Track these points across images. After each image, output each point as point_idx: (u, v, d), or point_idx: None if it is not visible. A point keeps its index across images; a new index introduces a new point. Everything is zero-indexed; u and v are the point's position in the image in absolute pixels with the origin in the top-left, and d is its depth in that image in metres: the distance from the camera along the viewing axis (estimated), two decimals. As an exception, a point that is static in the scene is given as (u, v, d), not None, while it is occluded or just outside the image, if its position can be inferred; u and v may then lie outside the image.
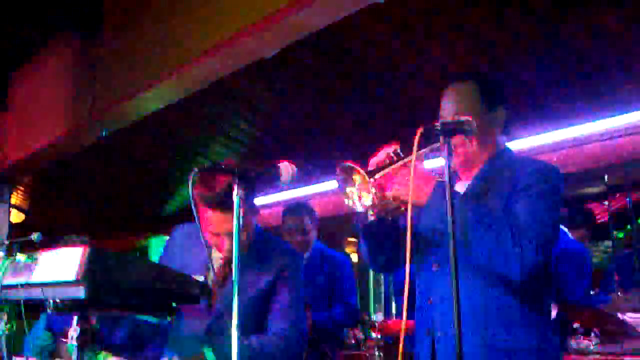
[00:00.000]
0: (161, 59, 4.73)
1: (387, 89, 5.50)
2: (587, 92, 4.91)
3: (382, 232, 2.23)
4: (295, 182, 2.04)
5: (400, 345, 1.89)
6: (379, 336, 4.38)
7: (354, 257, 8.89)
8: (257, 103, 6.09)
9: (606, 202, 5.75)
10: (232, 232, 2.31)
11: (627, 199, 5.61)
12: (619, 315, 3.97)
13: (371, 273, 8.12)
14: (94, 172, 8.52)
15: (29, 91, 7.11)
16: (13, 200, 9.63)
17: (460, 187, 2.26)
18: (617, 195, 6.04)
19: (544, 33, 4.56)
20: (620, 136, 5.10)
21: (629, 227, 5.71)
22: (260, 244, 2.61)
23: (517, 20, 4.50)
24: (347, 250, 9.20)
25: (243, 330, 2.43)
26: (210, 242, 2.48)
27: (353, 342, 5.49)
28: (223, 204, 2.23)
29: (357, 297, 4.69)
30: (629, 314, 4.09)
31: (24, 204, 10.73)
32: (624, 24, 4.33)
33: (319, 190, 7.48)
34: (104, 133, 5.52)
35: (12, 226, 9.14)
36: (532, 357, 2.04)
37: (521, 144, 5.46)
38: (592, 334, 3.96)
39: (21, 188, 10.04)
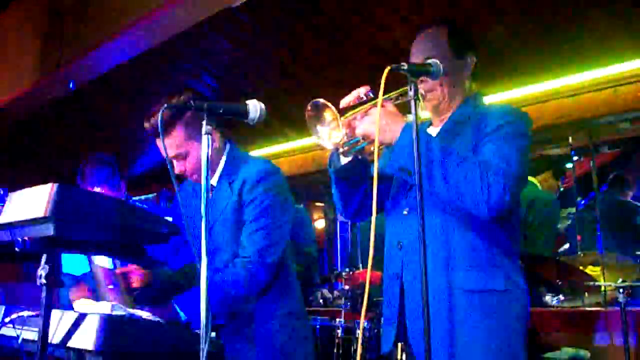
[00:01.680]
0: (127, 8, 4.64)
1: (355, 42, 5.43)
2: (550, 49, 4.94)
3: (355, 175, 2.23)
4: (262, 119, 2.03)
5: (366, 293, 1.89)
6: (347, 287, 4.42)
7: (321, 223, 8.92)
8: (222, 57, 6.00)
9: (570, 165, 5.77)
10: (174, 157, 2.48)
11: (591, 162, 5.64)
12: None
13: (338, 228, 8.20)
14: (60, 130, 8.36)
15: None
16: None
17: (433, 132, 2.28)
18: (582, 159, 6.07)
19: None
20: (583, 93, 5.14)
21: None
22: (230, 167, 2.65)
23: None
24: (315, 215, 9.20)
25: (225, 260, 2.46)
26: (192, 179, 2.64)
27: (321, 302, 5.55)
28: (157, 131, 2.18)
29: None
30: (590, 267, 4.19)
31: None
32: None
33: (286, 149, 7.39)
34: (71, 85, 5.42)
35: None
36: (499, 299, 2.04)
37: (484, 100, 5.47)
38: (555, 290, 4.06)
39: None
